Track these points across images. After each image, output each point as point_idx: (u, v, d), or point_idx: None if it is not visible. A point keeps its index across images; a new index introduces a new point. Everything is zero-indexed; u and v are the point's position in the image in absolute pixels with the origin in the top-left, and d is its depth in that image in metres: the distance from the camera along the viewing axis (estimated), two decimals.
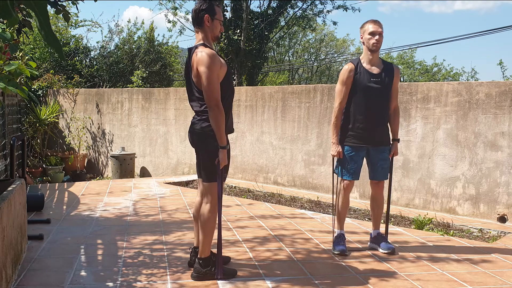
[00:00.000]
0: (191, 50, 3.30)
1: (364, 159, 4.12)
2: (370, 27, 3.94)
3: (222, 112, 3.17)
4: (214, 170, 3.27)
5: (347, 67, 4.01)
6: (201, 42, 3.30)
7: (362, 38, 4.01)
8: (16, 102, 8.52)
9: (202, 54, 3.17)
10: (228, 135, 3.38)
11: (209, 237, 3.34)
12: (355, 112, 3.97)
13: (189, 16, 25.84)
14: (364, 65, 3.99)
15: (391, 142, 4.14)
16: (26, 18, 3.90)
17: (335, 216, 4.16)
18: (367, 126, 3.97)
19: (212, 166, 3.27)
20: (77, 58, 14.85)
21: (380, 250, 4.11)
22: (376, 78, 3.96)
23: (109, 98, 10.75)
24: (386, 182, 4.23)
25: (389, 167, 4.14)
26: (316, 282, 3.40)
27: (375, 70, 3.98)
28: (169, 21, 19.59)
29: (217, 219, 3.35)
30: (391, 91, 4.05)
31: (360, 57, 4.06)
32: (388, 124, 4.15)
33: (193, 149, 3.48)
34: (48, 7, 3.56)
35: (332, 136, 4.03)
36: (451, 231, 4.92)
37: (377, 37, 3.92)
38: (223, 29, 3.42)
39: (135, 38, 16.16)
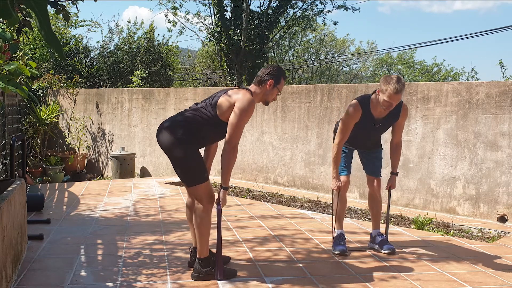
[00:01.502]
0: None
1: (358, 155, 4.25)
2: (388, 97, 3.66)
3: (236, 155, 3.27)
4: (193, 173, 3.26)
5: (358, 108, 3.84)
6: (252, 90, 3.37)
7: (379, 91, 3.74)
8: (16, 102, 8.52)
9: (248, 98, 3.24)
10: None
11: (206, 238, 3.34)
12: (351, 138, 3.99)
13: (189, 16, 25.86)
14: (371, 109, 3.87)
15: (389, 175, 4.19)
16: (26, 18, 3.89)
17: (334, 216, 4.16)
18: (358, 145, 4.15)
19: (189, 170, 3.26)
20: (77, 58, 14.85)
21: (380, 250, 4.11)
22: (378, 123, 3.93)
23: (109, 98, 10.75)
24: (385, 181, 4.24)
25: (380, 166, 4.21)
26: (316, 282, 3.40)
27: (380, 115, 3.88)
28: (169, 21, 19.57)
29: (211, 218, 3.35)
30: (394, 128, 4.03)
31: (371, 98, 3.87)
32: (389, 155, 4.17)
33: None
34: (48, 7, 3.56)
35: (332, 171, 4.01)
36: (451, 231, 4.92)
37: (390, 106, 3.74)
38: (276, 98, 3.52)
39: (135, 38, 16.17)
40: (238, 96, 3.25)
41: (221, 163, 3.26)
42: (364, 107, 3.85)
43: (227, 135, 3.24)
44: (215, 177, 7.52)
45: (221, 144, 3.38)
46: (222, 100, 3.28)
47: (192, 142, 3.26)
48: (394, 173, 4.18)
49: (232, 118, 3.23)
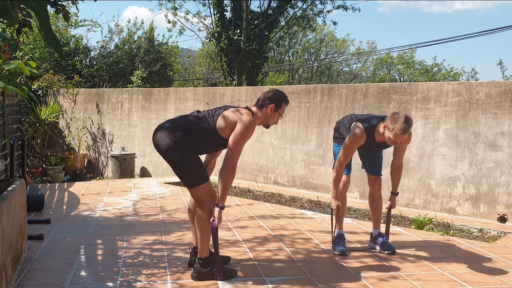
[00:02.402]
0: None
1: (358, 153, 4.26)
2: (394, 136, 3.64)
3: (234, 173, 3.27)
4: (192, 174, 3.27)
5: (361, 137, 3.83)
6: (253, 111, 3.38)
7: (386, 127, 3.70)
8: (16, 102, 8.52)
9: (249, 120, 3.25)
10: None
11: (207, 238, 3.34)
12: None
13: (189, 16, 25.85)
14: (376, 135, 3.86)
15: (390, 194, 4.19)
16: (26, 18, 3.89)
17: (334, 216, 4.16)
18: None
19: (188, 171, 3.27)
20: (77, 58, 14.84)
21: (380, 250, 4.11)
22: (380, 147, 3.97)
23: (109, 98, 10.75)
24: (386, 181, 4.24)
25: (381, 166, 4.22)
26: (316, 282, 3.40)
27: (383, 141, 3.86)
28: (169, 22, 19.58)
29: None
30: (396, 150, 4.03)
31: (377, 127, 3.83)
32: (390, 176, 4.18)
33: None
34: (48, 7, 3.56)
35: (332, 191, 4.02)
36: (451, 231, 4.92)
37: (396, 143, 3.74)
38: (277, 122, 3.53)
39: (135, 38, 16.17)
40: (240, 117, 3.26)
41: (218, 181, 3.27)
42: (369, 134, 3.85)
43: (226, 155, 3.25)
44: (215, 177, 7.52)
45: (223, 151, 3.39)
46: (224, 116, 3.29)
47: (189, 145, 3.25)
48: (394, 194, 4.18)
49: (232, 138, 3.24)
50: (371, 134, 3.84)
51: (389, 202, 4.20)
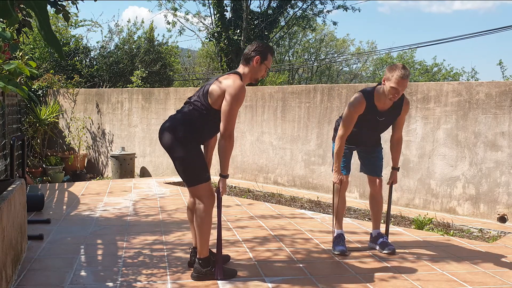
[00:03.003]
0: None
1: (358, 155, 4.24)
2: (395, 83, 3.66)
3: (232, 143, 3.24)
4: (194, 172, 3.27)
5: (362, 100, 3.83)
6: (240, 72, 3.34)
7: (384, 81, 3.76)
8: (16, 102, 8.52)
9: (238, 84, 3.20)
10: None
11: (206, 238, 3.34)
12: (353, 133, 3.97)
13: (189, 17, 25.86)
14: (375, 101, 3.86)
15: (391, 170, 4.19)
16: (26, 18, 3.89)
17: (334, 216, 4.16)
18: (359, 142, 4.12)
19: (190, 169, 3.27)
20: (77, 58, 14.85)
21: (380, 250, 4.11)
22: (382, 116, 3.93)
23: (109, 98, 10.75)
24: (385, 181, 4.24)
25: (382, 165, 4.19)
26: (316, 282, 3.40)
27: (384, 107, 3.88)
28: (169, 23, 19.58)
29: (212, 218, 3.35)
30: (395, 123, 4.04)
31: (375, 90, 3.87)
32: (390, 151, 4.17)
33: None
34: (48, 7, 3.56)
35: (334, 165, 4.00)
36: (451, 231, 4.92)
37: (398, 95, 3.74)
38: (265, 75, 3.47)
39: (135, 38, 16.17)
40: (228, 83, 3.22)
41: (218, 152, 3.24)
42: (368, 99, 3.85)
43: (221, 124, 3.22)
44: (214, 177, 7.52)
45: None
46: (213, 88, 3.25)
47: (193, 139, 3.26)
48: (395, 168, 4.17)
49: (224, 106, 3.20)
50: (370, 100, 3.85)
51: (390, 179, 4.18)
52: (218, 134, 3.36)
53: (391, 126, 4.09)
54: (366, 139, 4.12)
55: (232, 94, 3.18)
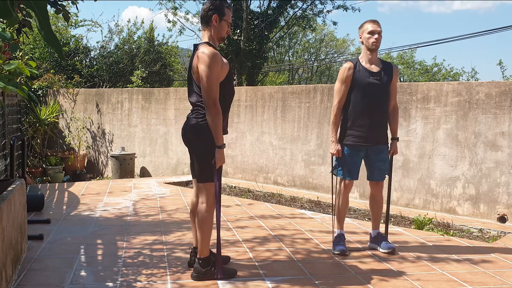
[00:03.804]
0: (196, 47, 3.32)
1: (363, 160, 4.13)
2: (369, 27, 3.97)
3: (220, 111, 3.17)
4: (209, 170, 3.27)
5: (346, 65, 4.03)
6: (206, 41, 3.31)
7: (361, 38, 4.03)
8: (16, 102, 8.52)
9: (204, 53, 3.17)
10: (225, 135, 3.38)
11: (207, 237, 3.34)
12: (355, 110, 3.97)
13: (189, 16, 25.85)
14: (363, 64, 4.01)
15: (390, 141, 4.16)
16: (26, 18, 3.90)
17: (335, 216, 4.16)
18: (366, 123, 3.96)
19: (206, 165, 3.27)
20: (77, 58, 14.85)
21: (380, 250, 4.11)
22: (375, 76, 3.98)
23: (109, 98, 10.75)
24: (386, 181, 4.23)
25: (387, 168, 4.14)
26: (316, 282, 3.40)
27: (374, 68, 4.00)
28: (169, 21, 19.57)
29: (214, 218, 3.35)
30: (390, 89, 4.07)
31: (359, 57, 4.08)
32: (387, 122, 4.15)
33: None
34: (48, 7, 3.56)
35: (332, 135, 4.03)
36: (451, 231, 4.92)
37: (376, 36, 3.95)
38: (229, 31, 3.41)
39: (135, 38, 16.17)
40: (197, 58, 3.19)
41: (209, 125, 3.19)
42: (354, 61, 4.05)
43: (203, 94, 3.17)
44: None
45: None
46: (197, 79, 3.23)
47: (212, 138, 3.23)
48: (395, 138, 4.16)
49: (201, 76, 3.16)
50: (356, 61, 4.04)
51: (391, 149, 4.16)
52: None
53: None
54: (373, 116, 3.97)
55: (205, 61, 3.14)
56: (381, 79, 3.98)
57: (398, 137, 4.19)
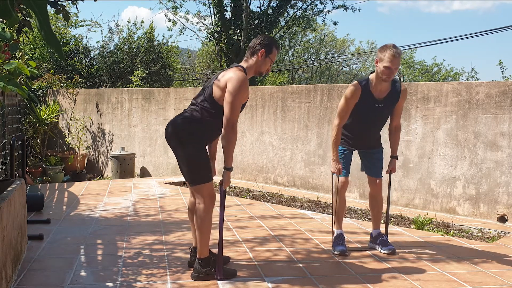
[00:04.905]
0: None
1: (359, 156, 4.23)
2: (388, 61, 3.70)
3: (236, 134, 3.23)
4: (197, 171, 3.27)
5: (354, 89, 3.86)
6: (244, 66, 3.35)
7: (377, 63, 3.81)
8: (16, 102, 8.51)
9: (237, 76, 3.20)
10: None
11: (206, 237, 3.34)
12: (351, 127, 4.00)
13: (189, 16, 25.85)
14: (371, 88, 3.88)
15: (390, 159, 4.19)
16: (26, 18, 3.89)
17: (334, 216, 4.16)
18: (360, 138, 4.08)
19: (194, 168, 3.27)
20: (77, 58, 14.84)
21: (380, 250, 4.11)
22: (379, 103, 3.92)
23: (109, 98, 10.75)
24: (386, 181, 4.24)
25: (382, 166, 4.18)
26: (316, 282, 3.40)
27: (381, 94, 3.90)
28: (169, 20, 19.57)
29: (212, 218, 3.35)
30: (393, 111, 4.05)
31: (370, 76, 3.91)
32: (388, 139, 4.18)
33: None
34: (48, 7, 3.56)
35: (332, 154, 4.01)
36: (451, 231, 4.92)
37: (391, 72, 3.77)
38: (270, 69, 3.47)
39: (135, 38, 16.17)
40: (228, 76, 3.22)
41: (222, 145, 3.23)
42: (363, 86, 3.88)
43: (224, 115, 3.20)
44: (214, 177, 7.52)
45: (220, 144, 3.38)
46: (215, 89, 3.26)
47: (199, 138, 3.26)
48: (394, 157, 4.18)
49: (226, 97, 3.19)
50: (365, 86, 3.87)
51: (389, 167, 4.20)
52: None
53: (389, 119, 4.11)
54: (367, 135, 4.08)
55: (234, 85, 3.17)
56: (384, 106, 3.95)
57: (397, 156, 4.21)
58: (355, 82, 3.94)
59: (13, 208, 3.36)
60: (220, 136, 3.26)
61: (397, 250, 4.13)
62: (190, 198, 3.57)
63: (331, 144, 4.01)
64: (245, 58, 3.41)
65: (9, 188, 3.56)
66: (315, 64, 33.75)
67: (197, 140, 3.26)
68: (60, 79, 12.42)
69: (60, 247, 4.11)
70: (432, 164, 5.85)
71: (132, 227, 4.82)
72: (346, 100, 3.89)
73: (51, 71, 13.18)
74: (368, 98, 3.88)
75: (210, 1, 17.95)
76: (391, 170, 4.20)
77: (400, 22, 72.51)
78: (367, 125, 4.04)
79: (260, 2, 27.70)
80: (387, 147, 4.26)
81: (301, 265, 3.74)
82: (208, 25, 19.13)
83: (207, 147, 3.47)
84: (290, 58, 33.48)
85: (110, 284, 3.28)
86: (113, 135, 10.66)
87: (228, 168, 3.26)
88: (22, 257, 3.74)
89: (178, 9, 19.63)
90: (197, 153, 3.25)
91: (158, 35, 37.80)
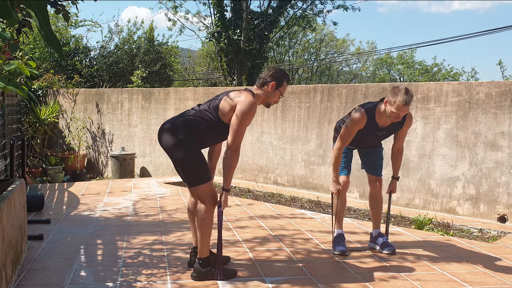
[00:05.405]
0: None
1: (359, 155, 4.26)
2: (397, 109, 3.65)
3: (238, 157, 3.25)
4: (195, 172, 3.27)
5: (361, 118, 3.83)
6: (253, 92, 3.37)
7: (386, 103, 3.74)
8: (16, 102, 8.52)
9: (250, 100, 3.24)
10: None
11: (207, 238, 3.35)
12: (353, 140, 3.98)
13: (189, 16, 25.87)
14: (376, 117, 3.86)
15: (391, 179, 4.20)
16: (26, 18, 3.90)
17: (334, 216, 4.16)
18: (361, 147, 4.19)
19: (191, 170, 3.27)
20: (77, 58, 14.84)
21: (380, 250, 4.11)
22: (381, 131, 3.94)
23: (109, 98, 10.75)
24: (386, 181, 4.24)
25: (382, 165, 4.21)
26: (316, 282, 3.40)
27: (385, 123, 3.89)
28: (169, 20, 19.55)
29: (213, 219, 3.35)
30: (396, 134, 4.05)
31: (377, 108, 3.87)
32: (391, 161, 4.19)
33: None
34: (48, 7, 3.56)
35: (333, 174, 4.02)
36: (451, 231, 4.92)
37: (399, 117, 3.72)
38: (278, 101, 3.50)
39: (135, 38, 16.17)
40: (240, 99, 3.26)
41: (223, 165, 3.26)
42: (369, 115, 3.85)
43: (229, 138, 3.24)
44: (215, 177, 7.52)
45: (224, 143, 3.39)
46: (224, 103, 3.29)
47: (194, 143, 3.26)
48: (395, 178, 4.18)
49: (233, 121, 3.23)
50: (371, 116, 3.85)
51: (389, 187, 4.20)
52: (224, 144, 3.37)
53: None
54: (364, 145, 4.16)
55: (243, 109, 3.21)
56: (386, 132, 3.97)
57: (398, 177, 4.22)
58: (363, 110, 3.86)
59: (13, 208, 3.36)
60: (223, 158, 3.27)
61: (397, 250, 4.13)
62: (190, 198, 3.58)
63: (332, 166, 4.02)
64: (255, 86, 3.44)
65: (9, 188, 3.56)
66: (315, 64, 33.76)
67: (189, 142, 3.25)
68: (60, 79, 12.42)
69: (60, 247, 4.11)
70: (432, 164, 5.85)
71: (132, 227, 4.82)
72: (351, 127, 3.87)
73: (51, 71, 13.18)
74: (372, 126, 3.89)
75: (210, 1, 17.94)
76: (391, 190, 4.20)
77: (400, 22, 72.54)
78: (365, 146, 4.14)
79: (260, 2, 27.71)
80: (387, 147, 4.26)
81: (301, 265, 3.75)
82: (208, 25, 19.13)
83: (206, 157, 3.48)
84: (290, 58, 33.48)
85: (110, 284, 3.28)
86: (113, 135, 10.66)
87: (226, 190, 3.27)
88: (22, 257, 3.74)
89: (178, 9, 19.61)
90: (190, 155, 3.25)
91: (158, 35, 37.79)
